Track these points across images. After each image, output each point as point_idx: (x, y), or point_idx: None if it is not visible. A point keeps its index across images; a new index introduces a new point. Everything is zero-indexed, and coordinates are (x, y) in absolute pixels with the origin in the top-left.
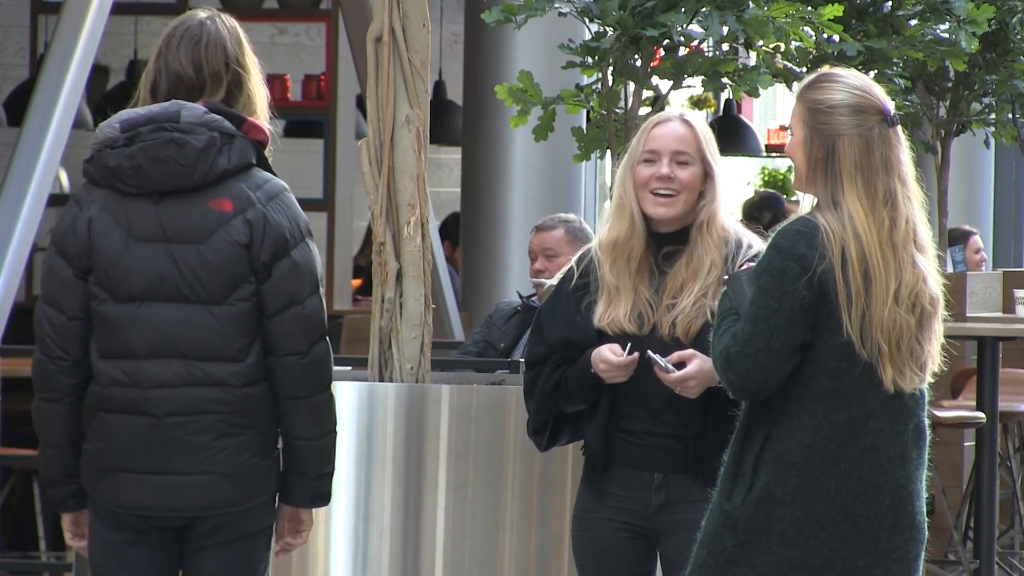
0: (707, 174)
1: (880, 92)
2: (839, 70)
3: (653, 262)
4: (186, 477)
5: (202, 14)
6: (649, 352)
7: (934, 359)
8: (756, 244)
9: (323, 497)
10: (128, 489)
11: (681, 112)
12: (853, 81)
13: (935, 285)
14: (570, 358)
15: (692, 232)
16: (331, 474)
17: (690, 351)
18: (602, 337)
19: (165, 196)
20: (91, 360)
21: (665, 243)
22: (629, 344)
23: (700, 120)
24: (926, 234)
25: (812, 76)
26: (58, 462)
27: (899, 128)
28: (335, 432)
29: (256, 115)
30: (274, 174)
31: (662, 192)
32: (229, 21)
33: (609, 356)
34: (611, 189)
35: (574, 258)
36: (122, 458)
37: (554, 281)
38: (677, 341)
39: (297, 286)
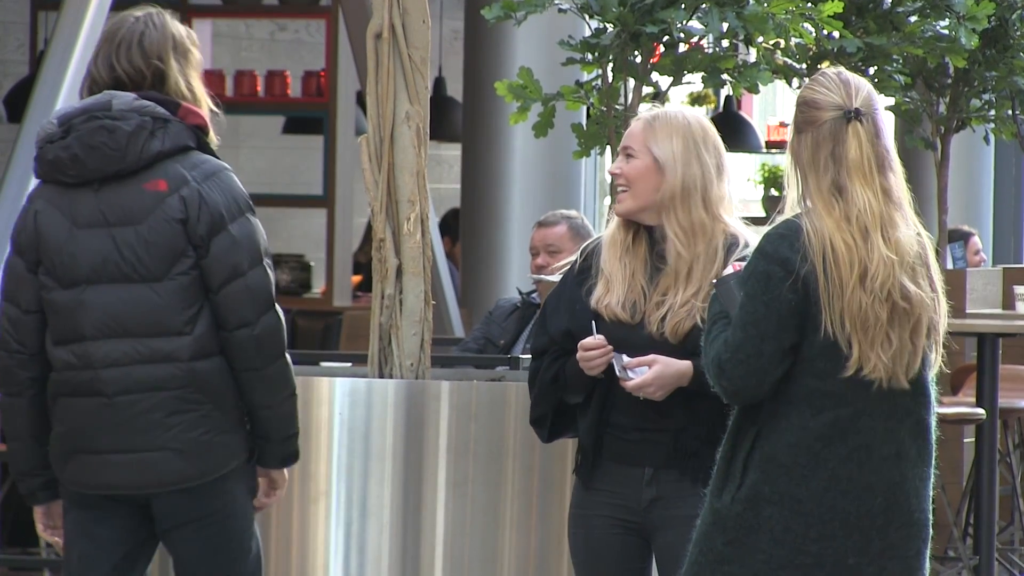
0: (658, 166)
1: (849, 90)
2: (829, 70)
3: (648, 255)
4: (141, 455)
5: (136, 14)
6: (615, 354)
7: (907, 354)
8: (753, 243)
9: (292, 457)
10: (89, 469)
11: (655, 111)
12: (826, 80)
13: (909, 281)
14: (569, 350)
15: (664, 228)
16: (296, 434)
17: (651, 356)
18: (599, 325)
19: (105, 183)
20: (47, 349)
21: (658, 238)
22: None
23: (665, 116)
24: (902, 231)
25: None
26: (24, 455)
27: (864, 124)
28: (294, 395)
29: (194, 103)
30: (217, 158)
31: (618, 188)
32: (160, 20)
33: (585, 341)
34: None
35: (582, 246)
36: (82, 439)
37: (555, 277)
38: (665, 340)
39: (237, 258)
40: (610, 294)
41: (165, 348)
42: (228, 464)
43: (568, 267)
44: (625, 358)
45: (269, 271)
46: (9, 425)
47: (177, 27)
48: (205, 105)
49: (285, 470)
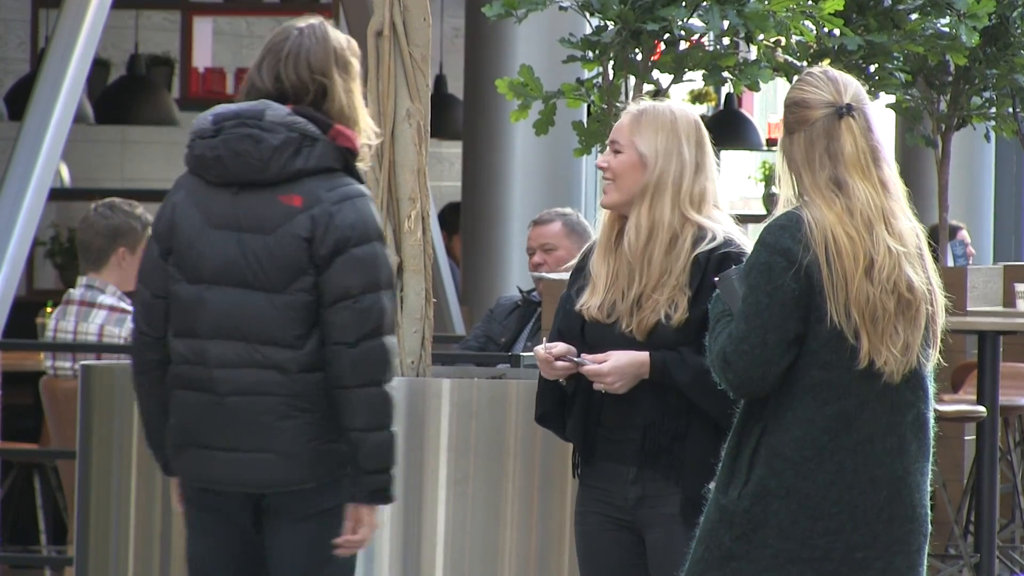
0: (643, 163)
1: (838, 87)
2: (815, 69)
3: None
4: (248, 454)
5: (299, 25)
6: (572, 357)
7: (913, 347)
8: (720, 236)
9: (380, 494)
10: (197, 463)
11: (643, 104)
12: (814, 79)
13: (913, 272)
14: None
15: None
16: (387, 472)
17: (607, 353)
18: (585, 326)
19: (244, 188)
20: (168, 338)
21: None
22: (558, 336)
23: (653, 110)
24: (904, 224)
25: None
26: (150, 430)
27: (857, 119)
28: (390, 431)
29: (351, 124)
30: (361, 182)
31: (605, 180)
32: (322, 32)
33: (538, 350)
34: None
35: (584, 247)
36: (192, 434)
37: (554, 275)
38: (633, 337)
39: (351, 280)
40: (594, 296)
41: (275, 357)
42: (333, 472)
43: (570, 268)
44: (585, 356)
45: (386, 303)
46: (139, 401)
47: (338, 38)
48: (361, 123)
49: (375, 512)
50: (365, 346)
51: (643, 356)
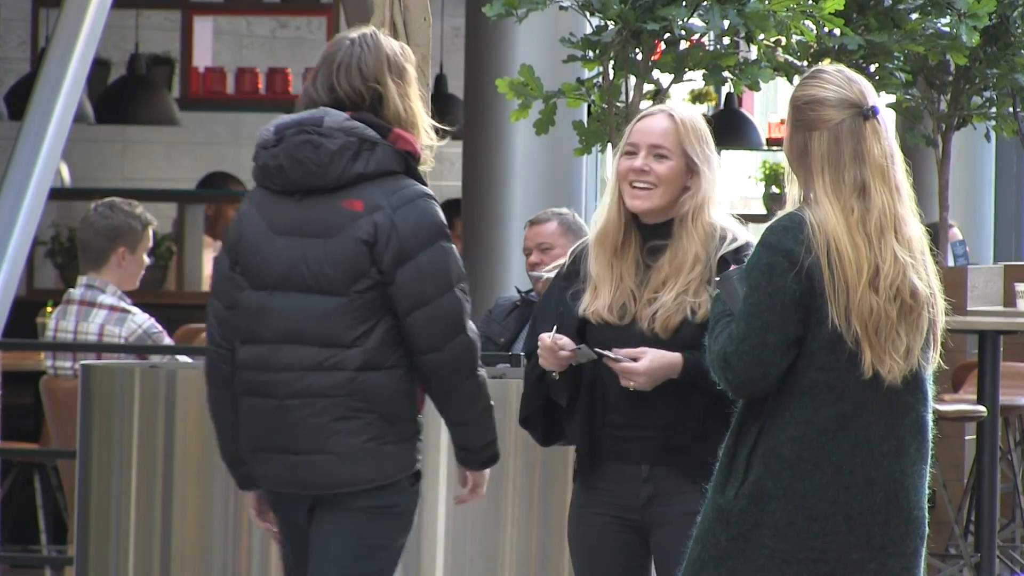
0: (691, 168)
1: (860, 87)
2: (828, 67)
3: (639, 255)
4: (308, 457)
5: (351, 35)
6: (603, 351)
7: (915, 352)
8: (742, 237)
9: (492, 459)
10: (265, 467)
11: (671, 108)
12: (832, 77)
13: (917, 279)
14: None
15: (675, 226)
16: (494, 440)
17: (642, 349)
18: (586, 327)
19: (306, 194)
20: (235, 346)
21: (651, 236)
22: (557, 330)
23: (690, 114)
24: (912, 229)
25: (804, 75)
26: (224, 443)
27: (879, 122)
28: (491, 407)
29: (409, 127)
30: (424, 184)
31: (638, 185)
32: (374, 40)
33: (543, 337)
34: None
35: (571, 249)
36: (259, 438)
37: (551, 274)
38: (656, 336)
39: (422, 287)
40: (598, 299)
41: (334, 358)
42: (391, 475)
43: (557, 269)
44: (617, 351)
45: (460, 296)
46: (215, 417)
47: (391, 45)
48: (420, 126)
49: (485, 475)
50: (453, 346)
51: (676, 357)
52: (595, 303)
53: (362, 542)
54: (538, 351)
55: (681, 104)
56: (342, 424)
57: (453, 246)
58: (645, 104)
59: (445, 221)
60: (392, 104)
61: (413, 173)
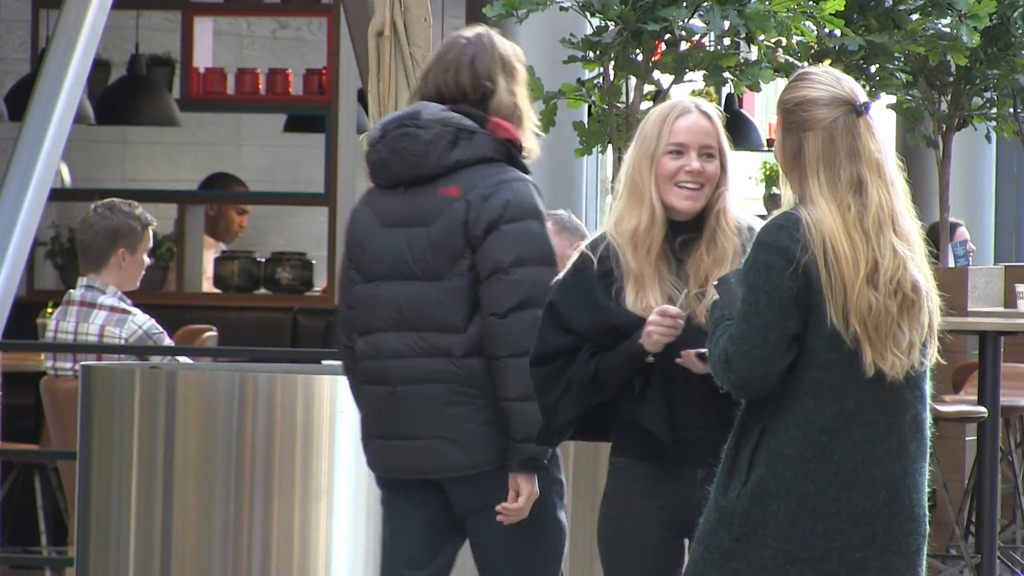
0: (723, 165)
1: (850, 85)
2: (813, 68)
3: (669, 250)
4: (421, 442)
5: (467, 34)
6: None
7: (917, 346)
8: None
9: (531, 463)
10: (381, 453)
11: (695, 102)
12: (820, 77)
13: (917, 272)
14: (610, 347)
15: (709, 220)
16: (531, 439)
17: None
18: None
19: (410, 186)
20: (353, 338)
21: (681, 231)
22: (613, 328)
23: (714, 110)
24: (909, 223)
25: (790, 79)
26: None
27: (871, 118)
28: (534, 401)
29: (515, 121)
30: (526, 172)
31: (689, 186)
32: (488, 40)
33: (667, 308)
34: (614, 180)
35: (584, 247)
36: (375, 425)
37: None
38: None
39: (501, 255)
40: (646, 296)
41: (442, 343)
42: (502, 460)
43: (577, 267)
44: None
45: (539, 275)
46: (358, 408)
47: (504, 46)
48: (528, 120)
49: (532, 480)
50: (514, 317)
51: None
52: (644, 299)
53: (521, 531)
54: (652, 328)
55: (698, 99)
56: (453, 409)
57: (546, 230)
58: (645, 105)
59: (543, 208)
60: (499, 100)
61: (515, 162)
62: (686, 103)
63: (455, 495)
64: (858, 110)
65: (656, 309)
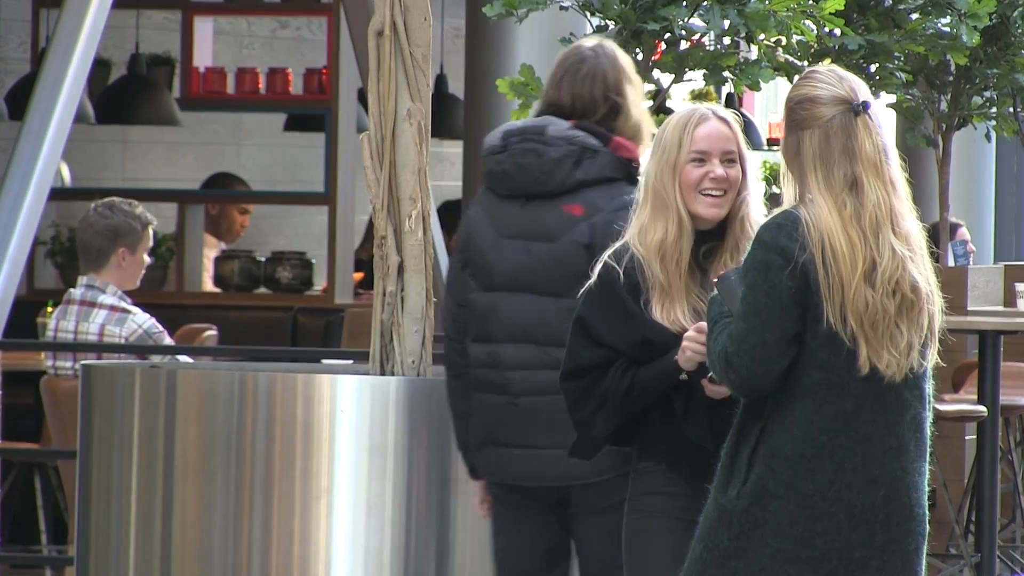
0: (743, 170)
1: (850, 84)
2: (820, 67)
3: (694, 260)
4: (543, 451)
5: (587, 44)
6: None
7: (916, 347)
8: None
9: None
10: (497, 461)
11: (712, 108)
12: (823, 76)
13: (917, 273)
14: (643, 360)
15: (733, 227)
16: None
17: None
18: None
19: (530, 199)
20: (466, 343)
21: (704, 239)
22: (645, 342)
23: (731, 115)
24: (910, 224)
25: (798, 77)
26: (461, 433)
27: (871, 117)
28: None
29: (638, 138)
30: None
31: (714, 193)
32: (611, 51)
33: (703, 325)
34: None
35: (607, 259)
36: (490, 433)
37: None
38: None
39: None
40: (674, 308)
41: (561, 356)
42: (620, 467)
43: (605, 280)
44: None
45: None
46: (452, 405)
47: (625, 57)
48: (646, 135)
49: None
50: None
51: None
52: (671, 312)
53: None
54: (687, 344)
55: (713, 104)
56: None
57: None
58: (645, 104)
59: None
60: (630, 115)
61: (634, 180)
62: (703, 110)
63: (576, 499)
64: (856, 109)
65: (693, 327)
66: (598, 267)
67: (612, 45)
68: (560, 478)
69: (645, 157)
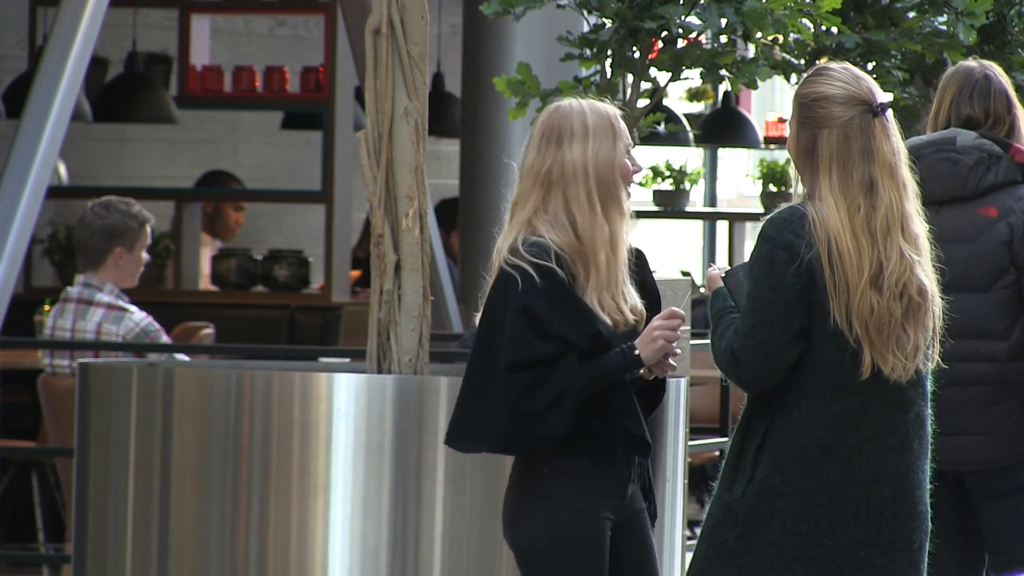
0: None
1: (868, 85)
2: (834, 64)
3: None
4: (958, 438)
5: (975, 66)
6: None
7: (922, 348)
8: None
9: None
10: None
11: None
12: (840, 75)
13: (924, 276)
14: (594, 353)
15: None
16: None
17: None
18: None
19: (944, 205)
20: None
21: None
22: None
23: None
24: (918, 226)
25: (808, 72)
26: None
27: (888, 119)
28: None
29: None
30: None
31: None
32: (996, 72)
33: (674, 310)
34: None
35: (526, 254)
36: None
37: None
38: None
39: None
40: (605, 297)
41: (984, 349)
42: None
43: (545, 271)
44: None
45: None
46: None
47: (1005, 78)
48: None
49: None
50: None
51: None
52: (605, 302)
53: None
54: (659, 332)
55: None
56: (991, 408)
57: None
58: (642, 103)
59: None
60: (1017, 128)
61: None
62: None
63: (975, 484)
64: (874, 111)
65: (660, 314)
66: (527, 260)
67: (997, 68)
68: (972, 463)
69: None
